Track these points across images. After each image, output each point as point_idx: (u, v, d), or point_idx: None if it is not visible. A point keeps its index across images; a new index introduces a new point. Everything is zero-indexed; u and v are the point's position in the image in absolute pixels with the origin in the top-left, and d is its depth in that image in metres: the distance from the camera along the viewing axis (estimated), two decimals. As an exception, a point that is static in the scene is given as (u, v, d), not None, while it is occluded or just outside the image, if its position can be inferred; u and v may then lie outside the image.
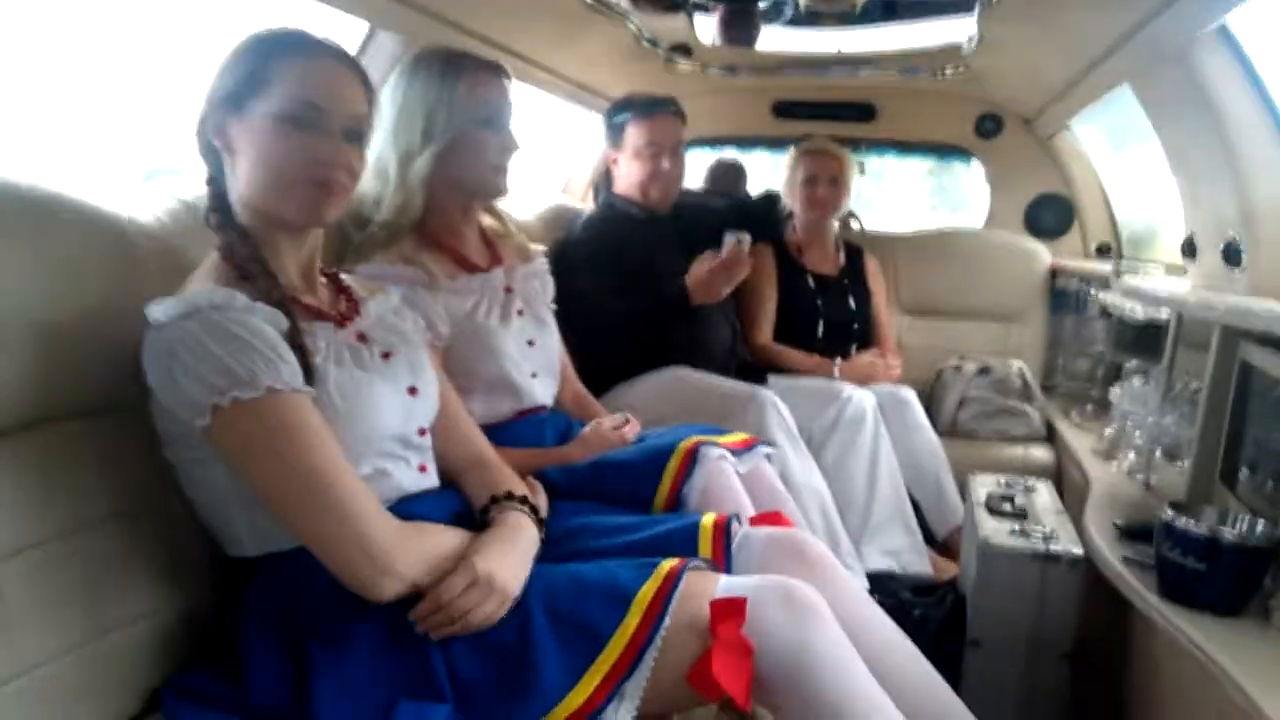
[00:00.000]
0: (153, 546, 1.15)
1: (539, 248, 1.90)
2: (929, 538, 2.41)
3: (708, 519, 1.34)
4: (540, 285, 1.81)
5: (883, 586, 2.09)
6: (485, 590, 1.09)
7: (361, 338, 1.25)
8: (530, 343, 1.72)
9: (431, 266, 1.59)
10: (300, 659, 1.08)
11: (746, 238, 2.32)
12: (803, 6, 2.73)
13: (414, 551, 1.10)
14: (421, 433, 1.28)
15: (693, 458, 1.53)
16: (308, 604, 1.10)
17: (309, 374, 1.10)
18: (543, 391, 1.75)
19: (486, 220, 1.78)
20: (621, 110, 2.52)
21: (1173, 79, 1.83)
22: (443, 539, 1.16)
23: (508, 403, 1.68)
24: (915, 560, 2.27)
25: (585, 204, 3.24)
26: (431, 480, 1.30)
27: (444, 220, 1.66)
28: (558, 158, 3.56)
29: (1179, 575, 1.38)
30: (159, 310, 1.06)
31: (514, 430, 1.66)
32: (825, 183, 2.78)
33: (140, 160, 2.07)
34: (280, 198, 1.15)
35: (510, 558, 1.15)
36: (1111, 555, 1.57)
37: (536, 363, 1.73)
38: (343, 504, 1.06)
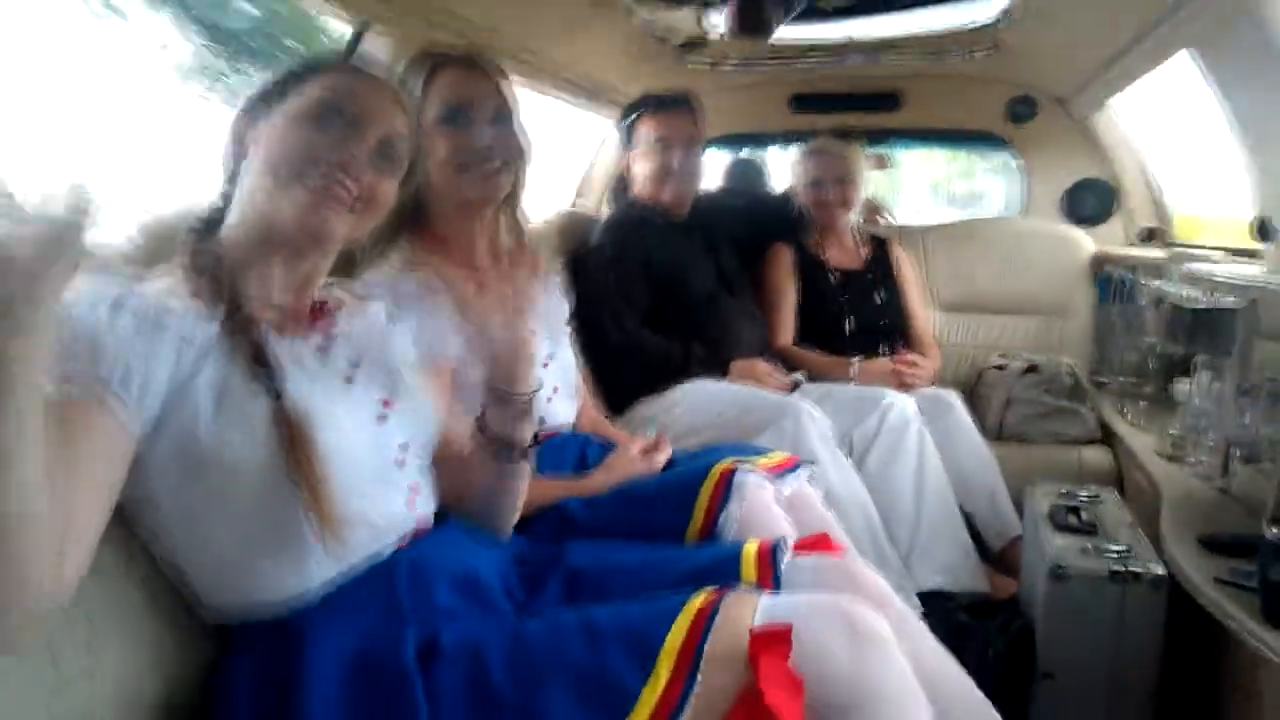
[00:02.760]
0: (120, 627, 0.99)
1: (553, 269, 1.78)
2: (983, 552, 2.23)
3: (751, 545, 1.19)
4: (555, 303, 1.70)
5: (936, 607, 1.92)
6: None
7: (323, 351, 1.10)
8: (545, 362, 1.59)
9: (441, 269, 1.46)
10: None
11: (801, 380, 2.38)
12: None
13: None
14: (400, 462, 1.11)
15: (728, 484, 1.38)
16: (287, 675, 0.95)
17: (277, 395, 0.97)
18: (563, 411, 1.65)
19: (504, 235, 1.65)
20: (633, 109, 2.46)
21: (1244, 38, 1.65)
22: None
23: None
24: (971, 578, 2.09)
25: (600, 213, 3.12)
26: (424, 510, 1.14)
27: (447, 226, 1.55)
28: (571, 164, 3.43)
29: (1289, 599, 1.21)
30: None
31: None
32: (832, 184, 2.67)
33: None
34: (279, 200, 1.02)
35: None
36: (1200, 575, 1.40)
37: (553, 380, 1.62)
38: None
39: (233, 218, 1.07)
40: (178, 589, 1.03)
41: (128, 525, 0.99)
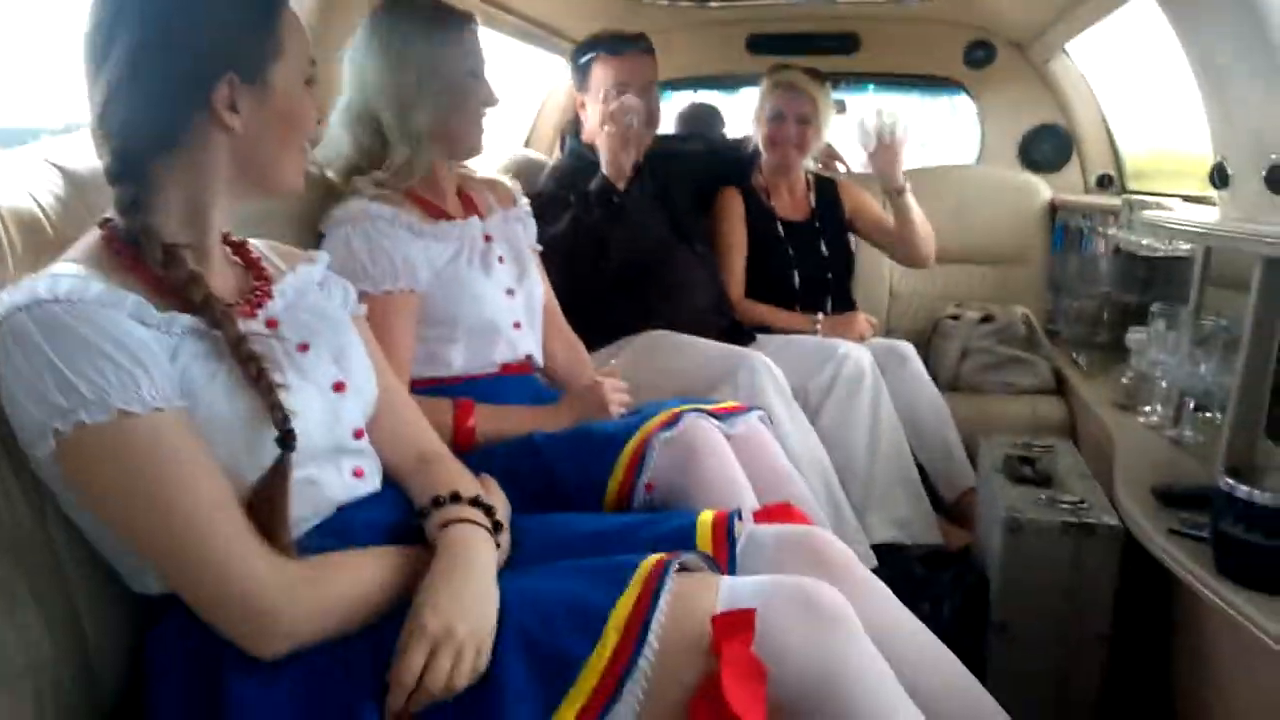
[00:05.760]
0: (37, 589, 0.93)
1: (518, 190, 1.80)
2: (936, 503, 2.24)
3: (706, 515, 1.17)
4: (522, 229, 1.73)
5: (890, 559, 1.93)
6: (452, 647, 0.89)
7: (272, 325, 1.03)
8: (510, 292, 1.62)
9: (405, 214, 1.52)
10: (215, 713, 0.89)
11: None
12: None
13: (309, 604, 0.91)
14: (358, 434, 1.08)
15: (672, 421, 1.38)
16: (220, 648, 0.90)
17: (270, 392, 0.93)
18: (528, 342, 1.66)
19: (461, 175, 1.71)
20: (587, 49, 2.33)
21: None
22: (360, 574, 0.96)
23: (493, 351, 1.60)
24: (925, 530, 2.10)
25: (552, 156, 3.02)
26: (370, 485, 1.10)
27: (421, 174, 1.58)
28: (522, 106, 3.31)
29: (1241, 551, 1.21)
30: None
31: (499, 385, 1.58)
32: (794, 121, 2.51)
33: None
34: (282, 165, 1.03)
35: (468, 592, 0.94)
36: (1153, 526, 1.40)
37: (518, 313, 1.64)
38: (216, 553, 0.87)
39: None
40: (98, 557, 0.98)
41: (41, 495, 0.94)
